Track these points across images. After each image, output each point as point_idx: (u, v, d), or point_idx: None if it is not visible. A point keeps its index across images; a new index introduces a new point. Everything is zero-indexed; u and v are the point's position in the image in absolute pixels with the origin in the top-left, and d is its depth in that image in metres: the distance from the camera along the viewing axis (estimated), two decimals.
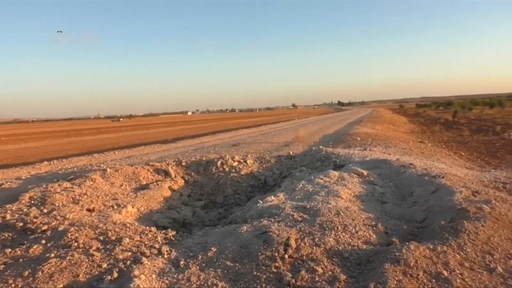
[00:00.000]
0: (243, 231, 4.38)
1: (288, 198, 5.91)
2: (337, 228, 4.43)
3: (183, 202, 7.55)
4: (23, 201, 5.60)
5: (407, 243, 3.80)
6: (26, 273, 3.35)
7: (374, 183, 6.90)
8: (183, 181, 8.43)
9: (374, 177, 7.22)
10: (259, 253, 3.69)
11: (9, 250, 3.91)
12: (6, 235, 4.35)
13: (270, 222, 4.66)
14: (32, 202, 5.58)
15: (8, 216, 4.87)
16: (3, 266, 3.55)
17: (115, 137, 33.54)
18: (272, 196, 5.92)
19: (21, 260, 3.68)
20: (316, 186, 6.39)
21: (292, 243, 3.85)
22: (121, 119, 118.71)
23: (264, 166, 9.25)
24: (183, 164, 9.12)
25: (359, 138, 14.62)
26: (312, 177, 7.12)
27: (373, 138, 14.62)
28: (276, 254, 3.67)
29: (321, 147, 10.78)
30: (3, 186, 7.47)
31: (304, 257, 3.68)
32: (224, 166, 8.95)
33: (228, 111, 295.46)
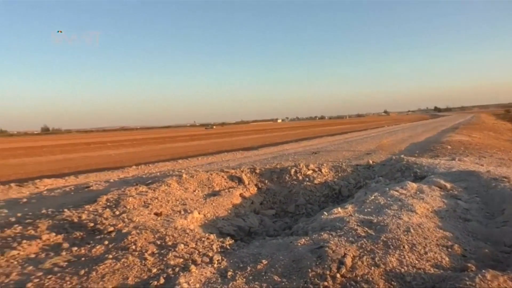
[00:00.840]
0: (299, 244, 4.17)
1: (356, 211, 5.54)
2: (403, 247, 4.00)
3: (254, 210, 7.52)
4: (100, 202, 5.99)
5: (483, 270, 3.28)
6: (82, 272, 3.51)
7: (457, 197, 6.20)
8: (256, 188, 8.41)
9: (458, 191, 6.49)
10: (309, 270, 3.46)
11: (76, 248, 4.17)
12: (78, 234, 4.66)
13: (330, 236, 4.38)
14: (108, 204, 5.94)
15: (84, 216, 5.23)
16: (66, 263, 3.78)
17: (205, 143, 35.07)
18: (339, 208, 5.60)
19: (83, 259, 3.89)
20: (389, 199, 5.91)
21: (348, 261, 3.55)
22: (214, 127, 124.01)
23: (339, 175, 8.87)
24: (257, 171, 9.12)
25: (449, 147, 13.41)
26: (387, 189, 6.63)
27: (467, 147, 13.31)
28: (328, 272, 3.40)
29: (402, 156, 10.04)
30: (91, 187, 8.12)
31: (359, 278, 3.37)
32: (298, 175, 8.76)
33: (317, 118, 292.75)
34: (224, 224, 6.02)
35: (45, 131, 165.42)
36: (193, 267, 3.59)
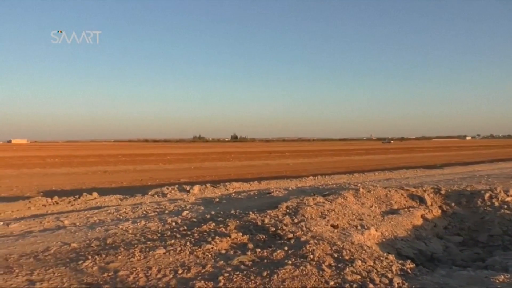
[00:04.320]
0: (497, 281, 3.60)
1: None
2: None
3: (436, 234, 6.85)
4: (281, 209, 6.33)
5: None
6: (265, 273, 3.74)
7: None
8: (440, 211, 7.67)
9: None
10: None
11: (259, 250, 4.48)
12: (260, 237, 5.02)
13: None
14: (287, 211, 6.24)
15: (266, 220, 5.61)
16: (251, 263, 4.09)
17: (381, 158, 33.86)
18: None
19: (265, 260, 4.16)
20: None
21: None
22: (392, 141, 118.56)
23: None
24: (442, 192, 8.31)
25: None
26: None
27: None
28: None
29: None
30: (272, 193, 8.68)
31: None
32: (493, 200, 7.63)
33: None
34: (403, 245, 5.64)
35: (234, 138, 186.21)
36: (371, 286, 3.45)
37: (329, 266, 3.96)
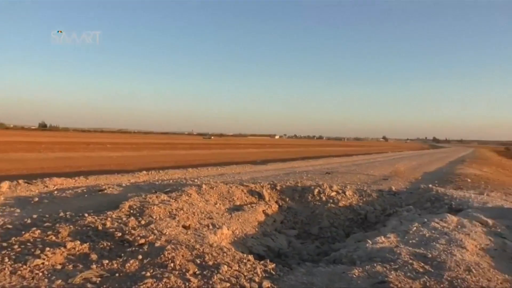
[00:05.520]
0: (354, 276, 3.76)
1: (400, 242, 5.14)
2: None
3: (275, 229, 7.09)
4: (123, 209, 5.56)
5: None
6: None
7: (502, 236, 5.81)
8: (277, 206, 8.00)
9: (501, 229, 6.10)
10: None
11: (107, 261, 3.72)
12: (105, 244, 4.22)
13: (385, 269, 3.97)
14: (131, 211, 5.51)
15: (108, 224, 4.79)
16: (99, 279, 3.34)
17: (206, 153, 34.64)
18: (382, 237, 5.20)
19: (117, 274, 3.46)
20: (433, 231, 5.52)
21: None
22: (212, 137, 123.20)
23: (364, 199, 8.47)
24: (278, 188, 8.71)
25: (469, 180, 13.06)
26: (426, 220, 6.24)
27: (486, 182, 12.96)
28: None
29: (430, 185, 9.68)
30: (106, 191, 7.68)
31: None
32: (321, 195, 8.35)
33: (315, 137, 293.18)
34: (253, 243, 5.59)
35: (43, 126, 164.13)
36: None
37: (195, 275, 3.53)
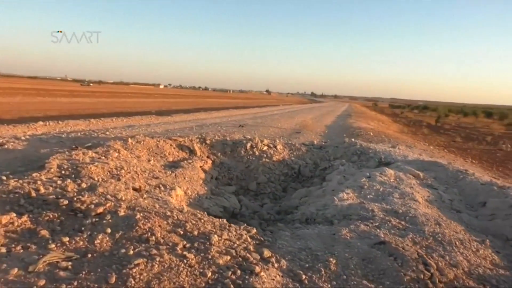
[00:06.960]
0: (347, 237, 3.60)
1: (358, 197, 5.16)
2: (455, 243, 3.72)
3: (215, 186, 6.67)
4: (52, 170, 4.54)
5: None
6: (113, 279, 2.43)
7: (434, 187, 6.26)
8: (210, 161, 7.51)
9: (431, 181, 6.58)
10: (400, 273, 2.92)
11: (67, 238, 2.93)
12: (51, 216, 3.34)
13: (368, 227, 3.90)
14: (63, 172, 4.53)
15: (42, 189, 3.83)
16: (70, 264, 2.59)
17: (92, 102, 31.78)
18: (345, 193, 5.15)
19: (89, 255, 2.73)
20: (384, 186, 5.67)
21: (432, 263, 3.10)
22: (91, 84, 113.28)
23: (295, 154, 8.44)
24: (208, 142, 8.18)
25: (371, 133, 14.04)
26: (367, 173, 6.41)
27: (386, 135, 14.09)
28: (422, 277, 2.91)
29: (353, 140, 10.07)
30: (6, 146, 6.31)
31: (455, 283, 2.95)
32: (254, 150, 8.07)
33: (201, 88, 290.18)
34: (209, 204, 5.12)
35: None
36: (257, 269, 2.78)
37: (186, 248, 2.99)
